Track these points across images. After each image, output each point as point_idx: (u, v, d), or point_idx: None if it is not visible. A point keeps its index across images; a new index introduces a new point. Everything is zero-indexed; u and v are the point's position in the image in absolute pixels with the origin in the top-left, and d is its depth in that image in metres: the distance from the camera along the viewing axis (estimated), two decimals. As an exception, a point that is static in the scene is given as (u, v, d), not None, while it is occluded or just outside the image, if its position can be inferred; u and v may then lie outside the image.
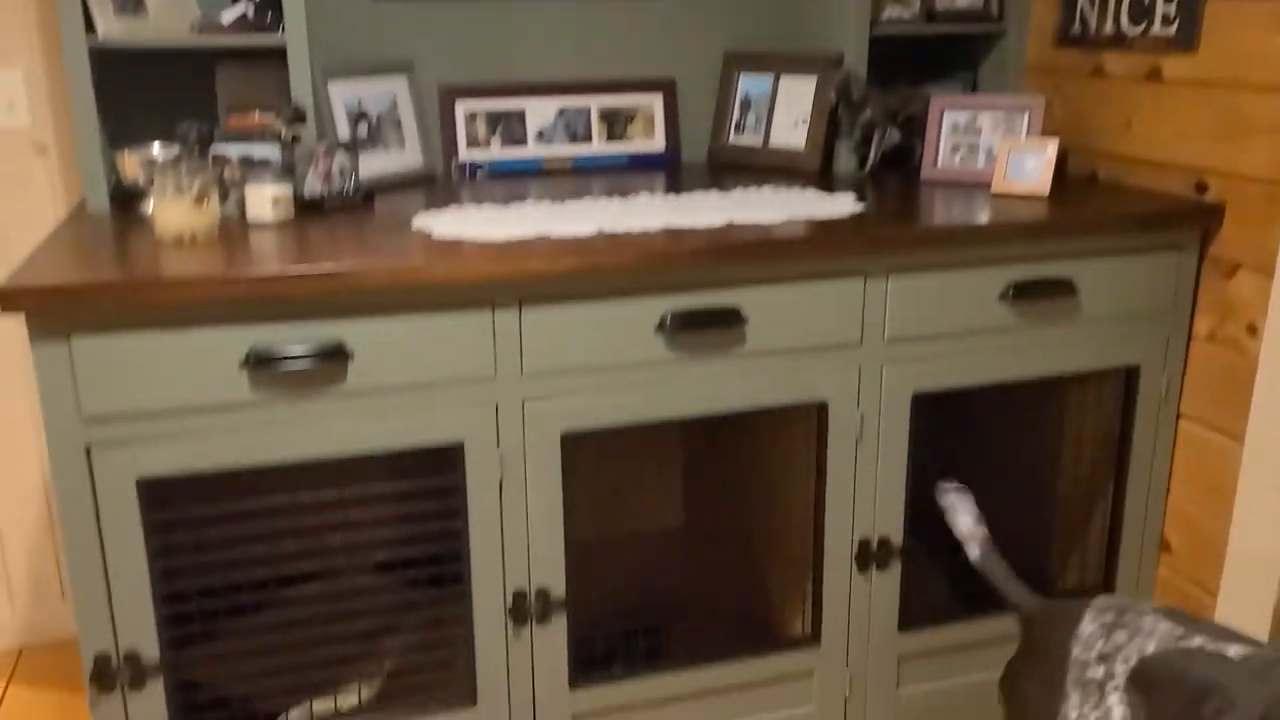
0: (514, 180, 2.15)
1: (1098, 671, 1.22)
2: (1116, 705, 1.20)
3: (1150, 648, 1.20)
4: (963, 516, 1.44)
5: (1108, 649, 1.23)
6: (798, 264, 1.68)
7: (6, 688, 2.16)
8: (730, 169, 2.27)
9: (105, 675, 1.53)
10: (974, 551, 1.41)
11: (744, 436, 2.04)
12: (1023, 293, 1.78)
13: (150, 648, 1.54)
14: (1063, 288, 1.81)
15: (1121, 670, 1.21)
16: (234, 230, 1.69)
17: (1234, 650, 1.15)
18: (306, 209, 1.83)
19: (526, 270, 1.53)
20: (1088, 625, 1.26)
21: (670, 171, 2.25)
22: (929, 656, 1.95)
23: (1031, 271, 1.79)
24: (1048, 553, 2.11)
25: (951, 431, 2.04)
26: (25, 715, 2.07)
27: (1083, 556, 2.05)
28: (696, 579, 1.86)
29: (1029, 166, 1.94)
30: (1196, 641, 1.17)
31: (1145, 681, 1.19)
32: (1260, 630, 1.82)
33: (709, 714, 1.85)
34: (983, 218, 1.77)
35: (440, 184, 2.12)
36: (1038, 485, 2.11)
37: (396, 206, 1.89)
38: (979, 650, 1.97)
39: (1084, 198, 1.93)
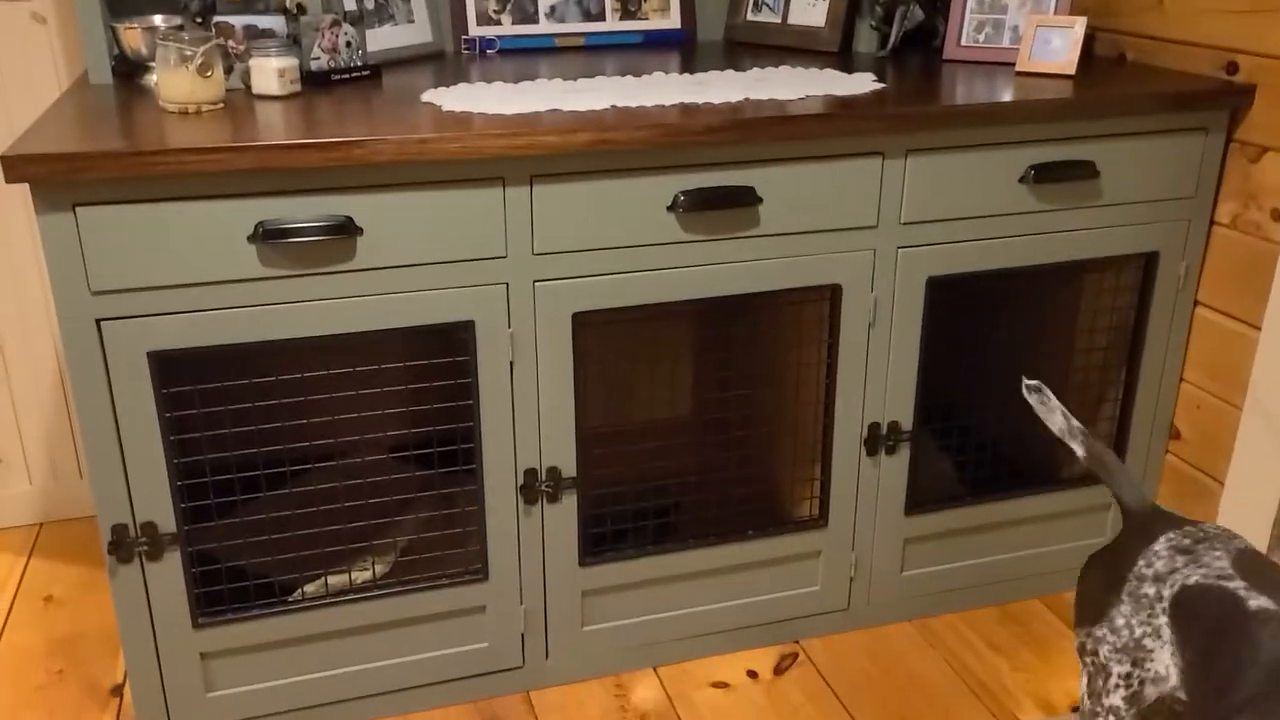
0: (525, 58, 2.10)
1: (1149, 589, 1.24)
2: (1164, 626, 1.22)
3: (1194, 579, 1.21)
4: (1054, 415, 1.40)
5: (1164, 570, 1.24)
6: (814, 142, 1.64)
7: (28, 561, 2.20)
8: (747, 48, 2.21)
9: (123, 545, 1.55)
10: (1079, 449, 1.38)
11: (755, 322, 2.03)
12: (1044, 175, 1.75)
13: (167, 519, 1.56)
14: (1085, 170, 1.77)
15: (1168, 594, 1.22)
16: (239, 103, 1.66)
17: (1255, 603, 1.15)
18: (313, 82, 1.79)
19: (538, 144, 1.49)
20: (1160, 543, 1.27)
21: (685, 50, 2.19)
22: (934, 540, 1.97)
23: (1053, 153, 1.75)
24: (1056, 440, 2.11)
25: (964, 314, 2.03)
26: (46, 587, 2.12)
27: (1091, 444, 2.05)
28: (707, 465, 1.87)
29: (1055, 44, 1.88)
30: (1235, 584, 1.18)
31: (1177, 609, 1.20)
32: (1265, 521, 1.83)
33: (716, 593, 1.88)
34: (1005, 96, 1.73)
35: (449, 61, 2.07)
36: (1050, 370, 2.10)
37: (405, 82, 1.85)
38: (983, 534, 1.99)
39: (1111, 78, 1.88)
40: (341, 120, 1.54)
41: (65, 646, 1.95)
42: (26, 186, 2.09)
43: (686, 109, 1.62)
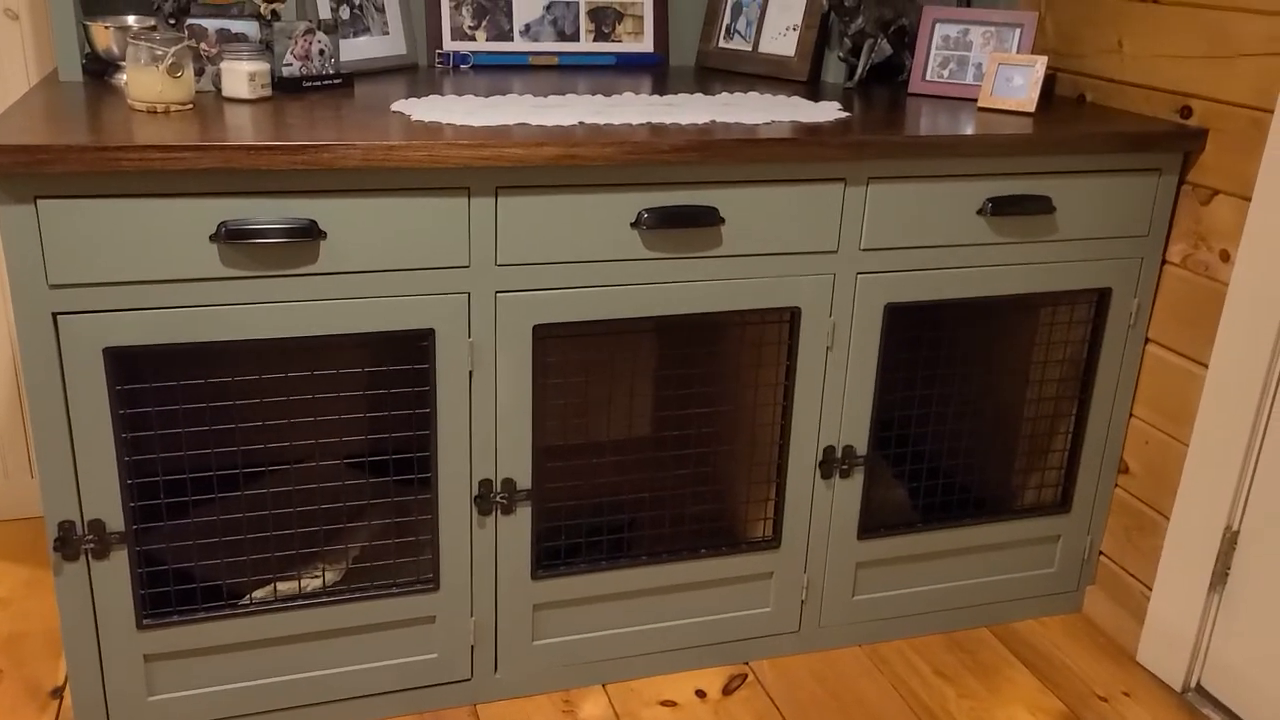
0: (498, 75, 2.12)
1: None
2: None
3: None
4: None
5: None
6: (778, 166, 1.67)
7: (-27, 560, 2.17)
8: (718, 74, 2.25)
9: (69, 543, 1.54)
10: None
11: (714, 342, 2.05)
12: (1001, 207, 1.78)
13: (115, 518, 1.55)
14: (1041, 205, 1.81)
15: None
16: (209, 105, 1.66)
17: None
18: (283, 88, 1.80)
19: (505, 156, 1.51)
20: None
21: (657, 73, 2.22)
22: (885, 565, 1.99)
23: (1011, 187, 1.79)
24: (1008, 470, 2.14)
25: (920, 343, 2.06)
26: (-9, 587, 2.09)
27: (1042, 475, 2.08)
28: (662, 482, 1.88)
29: (1017, 82, 1.93)
30: None
31: None
32: (1208, 556, 1.86)
33: (668, 611, 1.89)
34: (967, 129, 1.76)
35: (422, 74, 2.09)
36: (1002, 402, 2.14)
37: (376, 92, 1.86)
38: (934, 561, 2.01)
39: (1069, 117, 1.92)
40: (310, 125, 1.55)
41: (7, 647, 1.92)
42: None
43: (654, 128, 1.65)
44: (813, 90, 2.10)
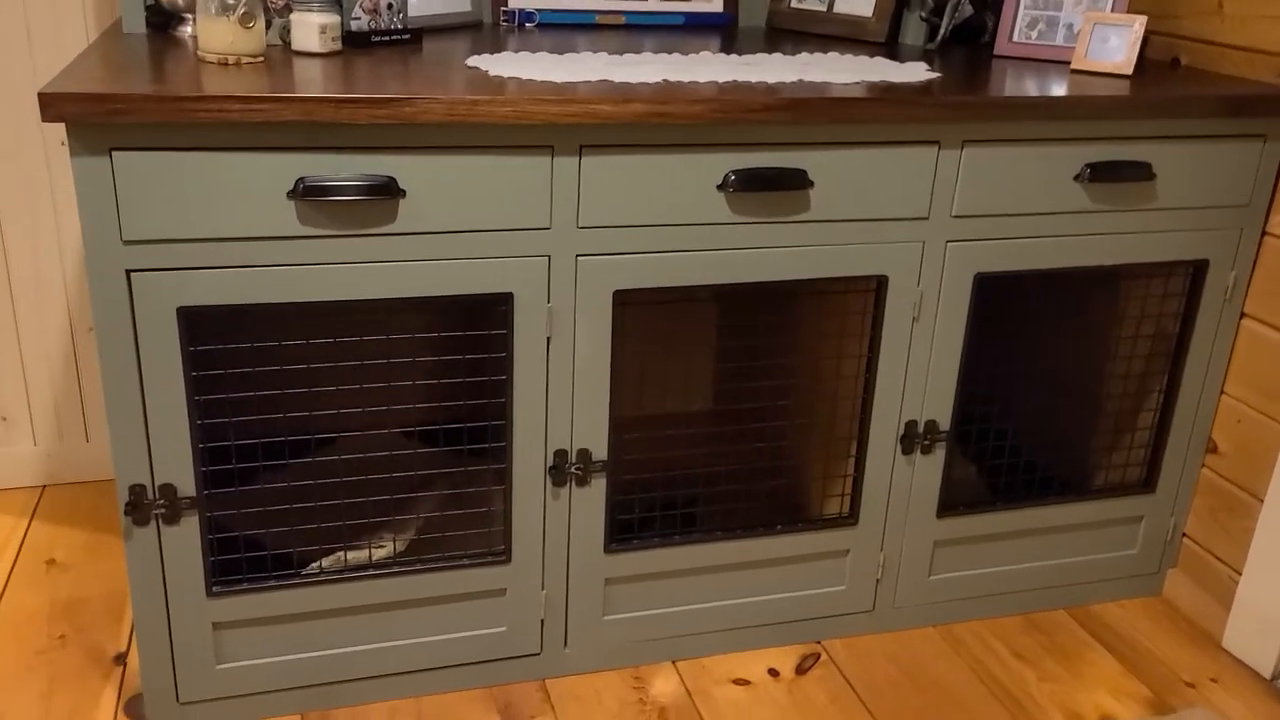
0: (563, 33, 2.05)
1: None
2: None
3: None
4: None
5: None
6: (870, 127, 1.60)
7: (29, 523, 2.14)
8: (789, 35, 2.17)
9: (140, 507, 1.50)
10: None
11: (796, 310, 1.98)
12: (1100, 174, 1.71)
13: (186, 483, 1.51)
14: (1141, 172, 1.73)
15: None
16: (278, 58, 1.60)
17: None
18: (352, 43, 1.74)
19: (592, 112, 1.44)
20: None
21: (727, 34, 2.15)
22: (963, 544, 1.93)
23: (1111, 152, 1.71)
24: (1091, 446, 2.07)
25: (1004, 315, 1.99)
26: (48, 551, 2.06)
27: (1127, 453, 2.01)
28: (738, 456, 1.82)
29: (1113, 43, 1.84)
30: None
31: None
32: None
33: (741, 588, 1.83)
34: (1064, 92, 1.68)
35: (486, 31, 2.02)
36: (1089, 376, 2.06)
37: (444, 48, 1.80)
38: (1012, 541, 1.95)
39: (1167, 81, 1.84)
40: (384, 80, 1.49)
41: (68, 612, 1.89)
42: (50, 137, 2.05)
43: (741, 86, 1.58)
44: (891, 51, 2.02)
